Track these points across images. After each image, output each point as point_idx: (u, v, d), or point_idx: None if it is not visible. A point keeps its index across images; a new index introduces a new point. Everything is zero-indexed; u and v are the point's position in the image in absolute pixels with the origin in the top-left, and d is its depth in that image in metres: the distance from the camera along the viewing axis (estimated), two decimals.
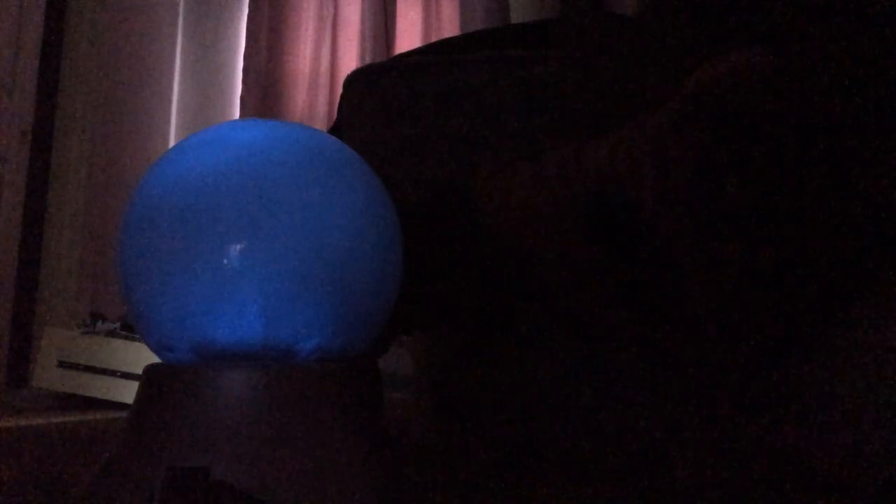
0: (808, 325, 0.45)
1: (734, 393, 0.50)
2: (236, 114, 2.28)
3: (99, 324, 1.69)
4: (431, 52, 0.68)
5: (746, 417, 0.50)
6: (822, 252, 0.42)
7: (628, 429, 0.55)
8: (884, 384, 0.40)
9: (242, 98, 2.30)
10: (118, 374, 1.67)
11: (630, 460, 0.54)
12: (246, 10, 2.35)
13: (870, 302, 0.43)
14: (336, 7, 2.32)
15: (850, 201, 0.41)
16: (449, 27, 2.00)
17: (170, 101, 2.20)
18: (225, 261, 0.37)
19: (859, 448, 0.41)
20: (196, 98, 2.25)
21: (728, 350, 0.47)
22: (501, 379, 0.58)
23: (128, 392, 1.70)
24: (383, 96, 0.64)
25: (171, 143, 2.13)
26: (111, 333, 1.69)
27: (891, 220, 0.41)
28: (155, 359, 0.41)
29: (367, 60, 2.07)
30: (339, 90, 0.71)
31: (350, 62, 2.12)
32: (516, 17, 1.78)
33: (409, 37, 2.08)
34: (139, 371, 0.40)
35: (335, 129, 0.70)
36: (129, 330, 1.43)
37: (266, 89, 2.29)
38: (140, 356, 1.71)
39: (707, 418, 0.52)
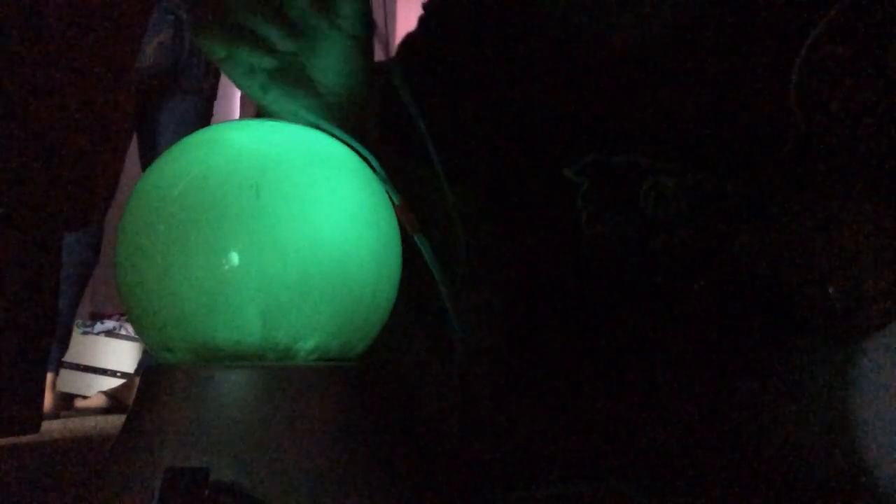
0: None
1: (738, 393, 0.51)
2: (236, 114, 2.28)
3: (98, 324, 1.69)
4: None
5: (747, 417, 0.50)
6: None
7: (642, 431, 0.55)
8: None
9: (242, 98, 2.30)
10: (118, 374, 1.67)
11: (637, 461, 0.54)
12: None
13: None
14: None
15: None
16: None
17: None
18: (224, 261, 0.37)
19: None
20: None
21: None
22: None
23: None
24: None
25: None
26: (110, 333, 1.69)
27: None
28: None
29: None
30: None
31: None
32: None
33: None
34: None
35: None
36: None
37: None
38: (138, 356, 1.71)
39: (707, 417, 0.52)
